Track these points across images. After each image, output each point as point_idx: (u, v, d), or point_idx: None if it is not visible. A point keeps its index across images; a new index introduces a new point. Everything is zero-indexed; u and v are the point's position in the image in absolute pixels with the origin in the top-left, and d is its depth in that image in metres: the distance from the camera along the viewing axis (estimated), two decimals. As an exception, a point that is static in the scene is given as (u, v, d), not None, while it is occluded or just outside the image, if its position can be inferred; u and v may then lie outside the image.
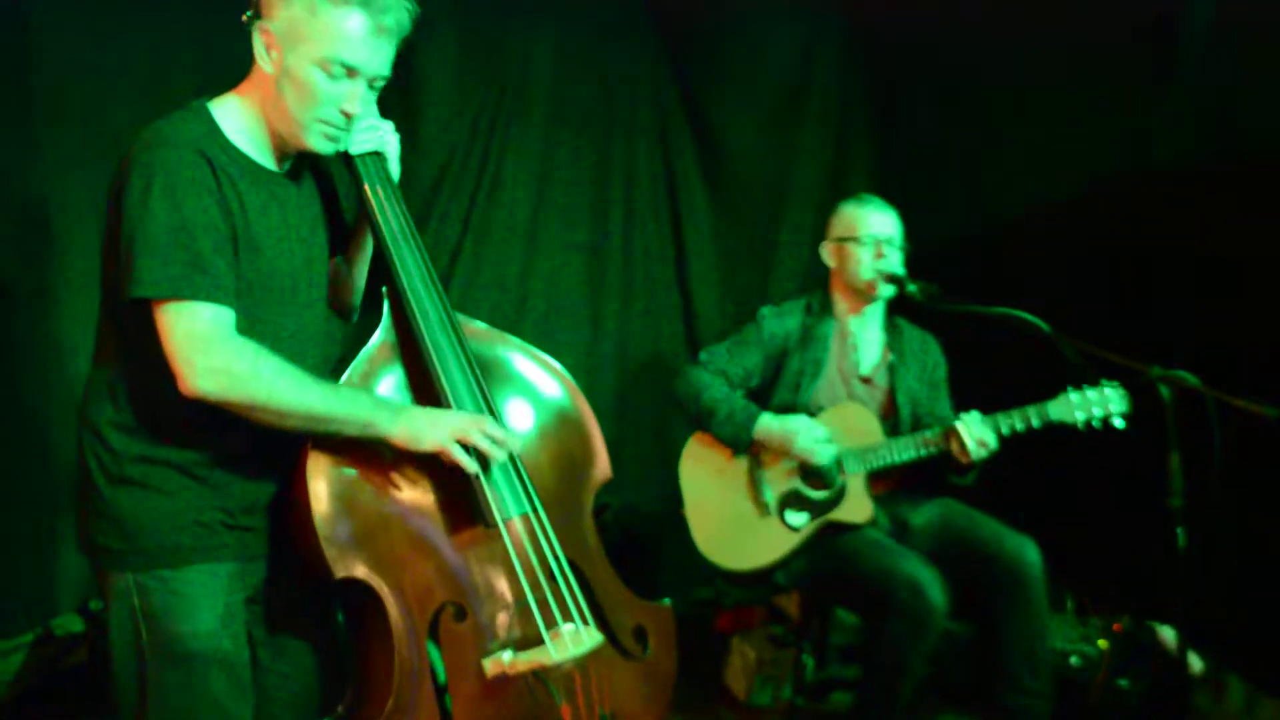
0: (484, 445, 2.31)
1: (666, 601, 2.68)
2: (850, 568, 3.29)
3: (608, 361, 4.59)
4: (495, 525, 2.36)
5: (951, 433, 3.29)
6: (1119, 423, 3.23)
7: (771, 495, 3.41)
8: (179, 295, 2.08)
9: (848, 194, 3.75)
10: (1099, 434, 3.27)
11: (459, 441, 2.30)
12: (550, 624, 2.38)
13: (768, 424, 3.39)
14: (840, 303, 3.62)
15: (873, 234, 3.51)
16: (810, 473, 3.41)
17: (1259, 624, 3.48)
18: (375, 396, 2.34)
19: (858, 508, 3.39)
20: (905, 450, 3.39)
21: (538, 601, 2.38)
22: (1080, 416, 3.26)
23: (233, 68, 2.30)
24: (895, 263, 3.51)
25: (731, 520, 3.41)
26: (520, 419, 2.56)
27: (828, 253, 3.63)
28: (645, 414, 4.55)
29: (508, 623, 2.40)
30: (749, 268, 4.86)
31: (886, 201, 3.60)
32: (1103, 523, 3.92)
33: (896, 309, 3.65)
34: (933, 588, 3.11)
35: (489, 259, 4.34)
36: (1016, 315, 3.11)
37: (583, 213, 4.57)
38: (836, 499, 3.39)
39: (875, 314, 3.63)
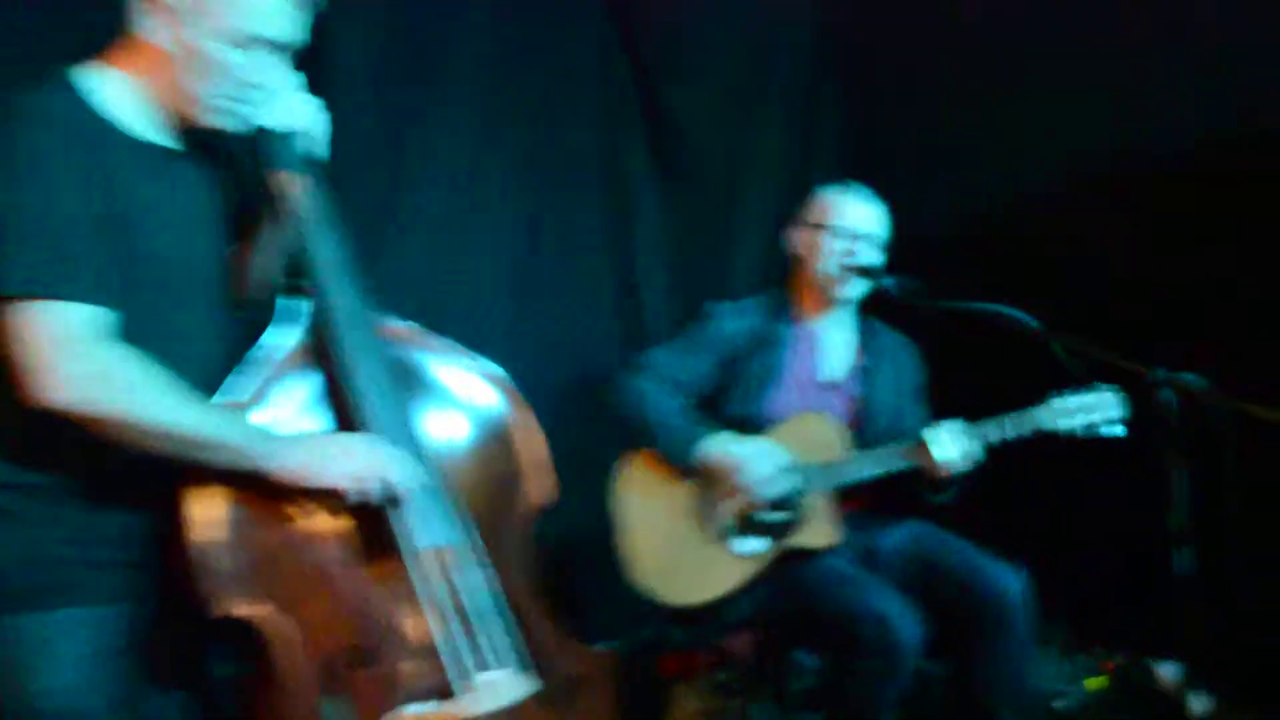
0: (382, 492, 2.28)
1: (610, 646, 2.67)
2: (810, 601, 3.28)
3: (539, 370, 4.44)
4: (409, 557, 2.31)
5: (924, 445, 3.31)
6: (1115, 430, 3.27)
7: (722, 519, 3.39)
8: (43, 293, 2.03)
9: (813, 182, 3.77)
10: (1092, 445, 3.32)
11: (357, 485, 2.26)
12: (471, 672, 2.34)
13: (713, 448, 3.37)
14: (804, 301, 3.63)
15: (847, 225, 3.53)
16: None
17: (1272, 659, 3.54)
18: (256, 425, 2.28)
19: (820, 531, 3.38)
20: (874, 465, 3.39)
21: (457, 646, 2.33)
22: (1071, 424, 3.28)
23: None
24: (864, 263, 3.51)
25: (676, 549, 3.39)
26: (447, 432, 2.54)
27: (795, 238, 3.64)
28: (580, 429, 4.38)
29: (422, 670, 2.34)
30: (703, 261, 4.86)
31: (874, 195, 3.61)
32: (1095, 547, 3.98)
33: (873, 310, 3.67)
34: (904, 622, 3.11)
35: (411, 254, 4.28)
36: (1005, 313, 3.15)
37: (517, 200, 4.53)
38: (796, 522, 3.38)
39: (845, 315, 3.65)
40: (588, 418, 4.41)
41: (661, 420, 3.40)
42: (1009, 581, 3.28)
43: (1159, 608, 2.85)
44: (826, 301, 3.58)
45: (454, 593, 2.36)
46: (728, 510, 3.39)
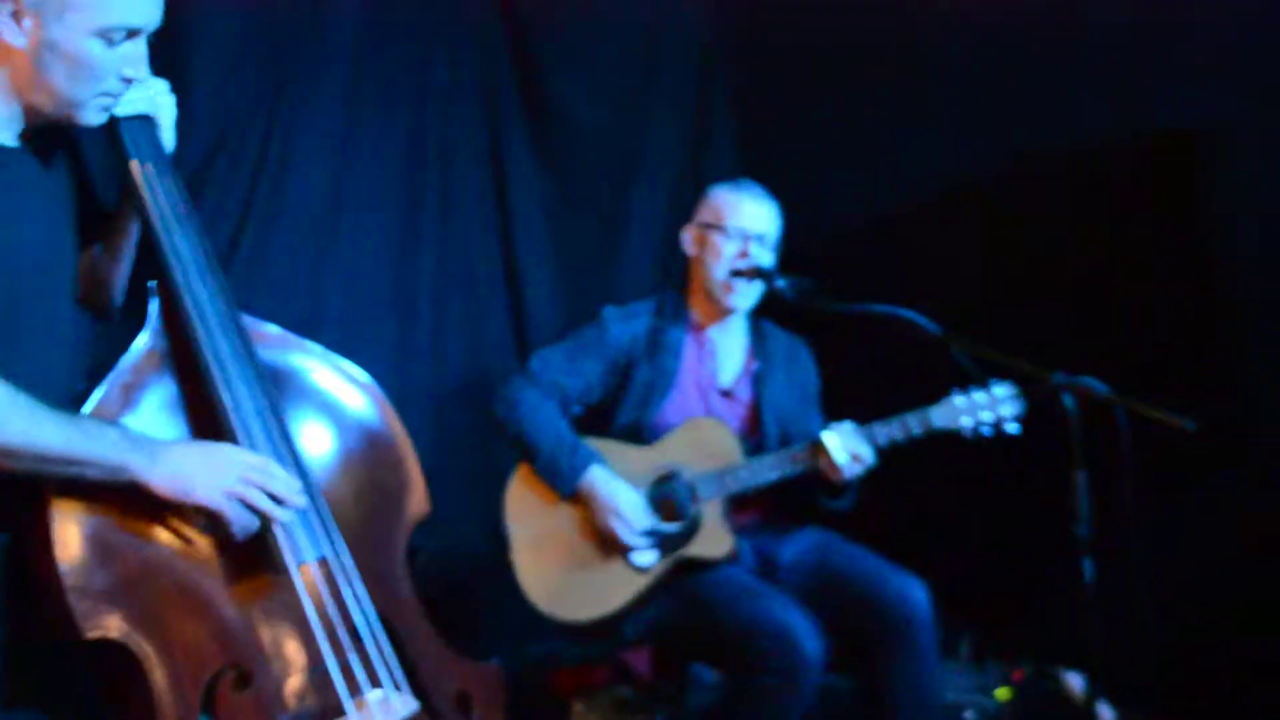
0: (265, 507, 2.29)
1: (495, 661, 2.70)
2: (709, 615, 3.32)
3: (420, 374, 4.54)
4: (287, 572, 2.33)
5: (819, 447, 3.38)
6: (1012, 428, 3.38)
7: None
8: None
9: (709, 176, 3.82)
10: (992, 451, 3.40)
11: (238, 499, 2.27)
12: (355, 691, 2.34)
13: (595, 479, 3.41)
14: (698, 305, 3.69)
15: (741, 226, 3.58)
16: (660, 502, 3.47)
17: (1178, 668, 3.64)
18: (129, 433, 2.26)
19: (715, 541, 3.43)
20: (769, 470, 3.45)
21: (339, 664, 2.34)
22: (968, 422, 3.37)
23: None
24: (757, 267, 3.56)
25: (568, 564, 3.43)
26: (320, 442, 2.55)
27: (689, 238, 3.70)
28: (466, 436, 4.49)
29: (302, 690, 2.35)
30: (591, 260, 4.88)
31: (767, 193, 3.66)
32: (999, 555, 4.05)
33: (764, 311, 3.72)
34: (806, 635, 3.16)
35: (275, 251, 4.24)
36: (903, 316, 3.24)
37: (390, 195, 4.51)
38: (690, 532, 3.43)
39: (738, 319, 3.71)
40: (474, 424, 4.43)
41: (545, 443, 3.43)
42: (913, 591, 3.34)
43: (1064, 615, 2.94)
44: (720, 305, 3.63)
45: (340, 607, 2.38)
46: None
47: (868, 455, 3.37)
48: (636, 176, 4.96)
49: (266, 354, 2.50)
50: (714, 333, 3.69)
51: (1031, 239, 4.22)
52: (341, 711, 2.33)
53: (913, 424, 3.40)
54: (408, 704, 2.40)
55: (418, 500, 2.68)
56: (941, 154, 4.40)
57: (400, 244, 4.55)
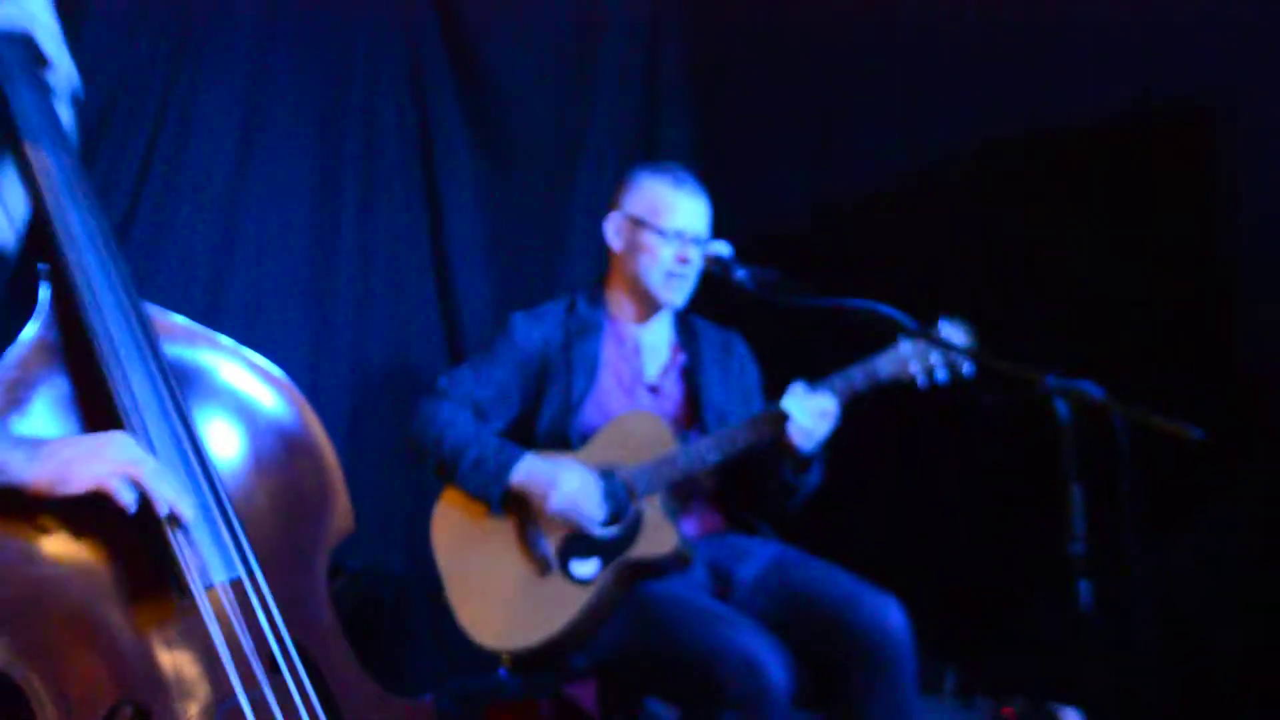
0: (164, 496, 2.22)
1: (426, 698, 2.66)
2: (662, 642, 3.29)
3: (337, 372, 4.53)
4: (193, 595, 2.25)
5: (778, 415, 3.37)
6: (966, 369, 3.37)
7: (549, 546, 3.43)
8: None
9: (660, 158, 3.80)
10: (979, 462, 3.42)
11: (130, 478, 2.20)
12: None
13: (530, 468, 3.42)
14: (619, 300, 3.71)
15: (679, 228, 3.56)
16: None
17: (1185, 702, 3.64)
18: (7, 432, 2.20)
19: (659, 538, 3.41)
20: (709, 452, 3.44)
21: (252, 700, 2.27)
22: (917, 369, 3.39)
23: None
24: (695, 269, 3.57)
25: (505, 590, 3.43)
26: (233, 449, 2.48)
27: (614, 229, 3.67)
28: (389, 446, 4.47)
29: None
30: (530, 250, 4.89)
31: (699, 182, 3.64)
32: (986, 577, 4.07)
33: (698, 307, 3.72)
34: (771, 663, 3.11)
35: (173, 232, 4.19)
36: (878, 311, 3.22)
37: (304, 174, 4.49)
38: (631, 533, 3.42)
39: (664, 317, 3.73)
40: (399, 428, 4.43)
41: (468, 449, 3.44)
42: (889, 613, 3.30)
43: (1059, 645, 2.94)
44: (652, 304, 3.66)
45: (254, 635, 2.32)
46: (555, 534, 3.44)
47: (832, 407, 3.38)
48: (581, 158, 4.98)
49: (172, 348, 2.44)
50: (634, 328, 3.71)
51: (1017, 227, 4.23)
52: (256, 754, 2.28)
53: (857, 375, 3.41)
54: (336, 744, 2.37)
55: (341, 514, 2.60)
56: (914, 133, 4.43)
57: (316, 227, 4.53)
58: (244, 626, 2.33)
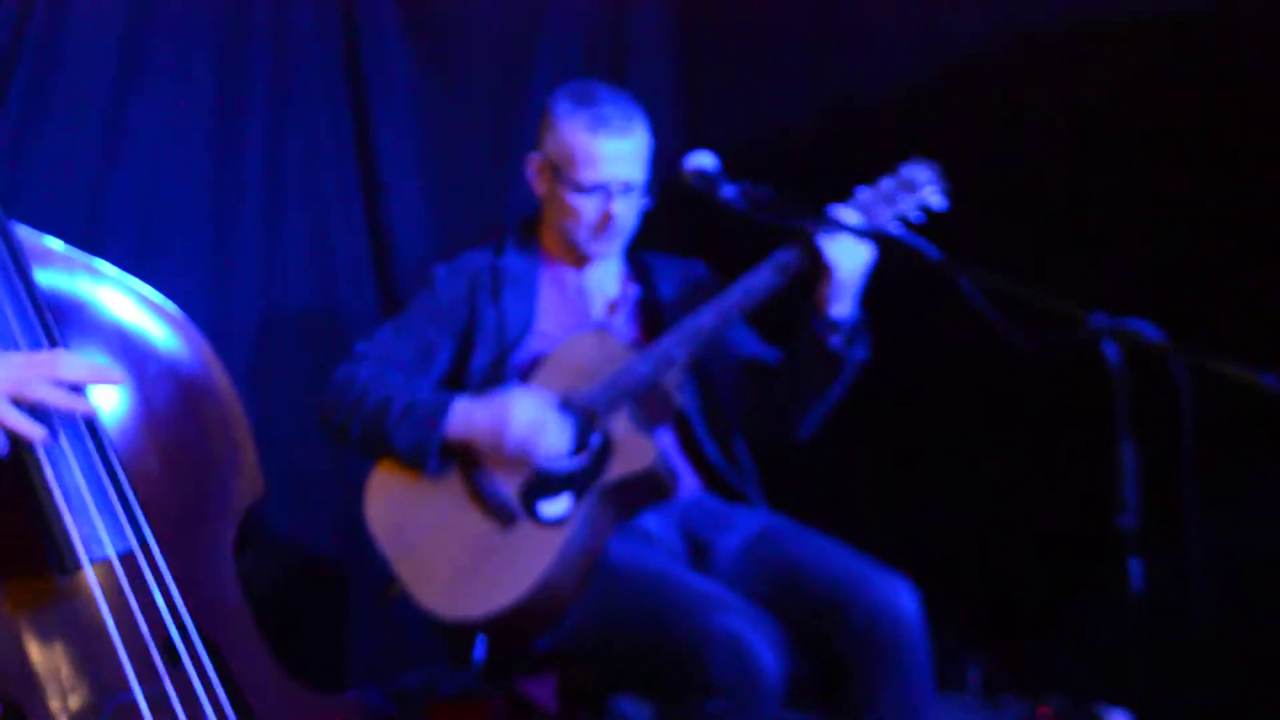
0: (55, 399, 2.26)
1: (350, 695, 2.66)
2: (638, 623, 3.29)
3: (245, 310, 4.52)
4: (76, 571, 2.28)
5: (807, 243, 3.42)
6: (936, 202, 3.46)
7: (509, 492, 3.43)
8: None
9: (630, 80, 3.74)
10: (1010, 419, 3.37)
11: (11, 399, 2.23)
12: None
13: (468, 409, 3.43)
14: (552, 244, 3.75)
15: (602, 180, 3.55)
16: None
17: (1250, 702, 3.67)
18: None
19: (635, 451, 3.45)
20: (677, 344, 3.48)
21: (148, 696, 2.29)
22: (887, 214, 3.46)
23: None
24: (629, 217, 3.61)
25: (466, 555, 3.41)
26: (119, 399, 2.48)
27: (533, 171, 3.69)
28: (307, 398, 4.25)
29: None
30: (476, 172, 4.89)
31: (630, 106, 3.63)
32: (1018, 555, 4.11)
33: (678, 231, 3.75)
34: (763, 646, 3.11)
35: (45, 149, 4.15)
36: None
37: (202, 86, 4.46)
38: (601, 458, 3.45)
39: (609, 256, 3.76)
40: (322, 379, 4.41)
41: (393, 403, 3.46)
42: (898, 598, 3.30)
43: (1105, 635, 2.95)
44: (583, 257, 3.70)
45: (150, 618, 2.34)
46: (513, 478, 3.44)
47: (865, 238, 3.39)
48: (536, 63, 4.97)
49: (47, 278, 2.45)
50: (574, 271, 3.75)
51: (1054, 137, 4.22)
52: (153, 755, 2.28)
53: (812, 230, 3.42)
54: (241, 747, 2.35)
55: (248, 475, 2.64)
56: (934, 26, 4.40)
57: (217, 138, 4.49)
58: (139, 606, 2.36)
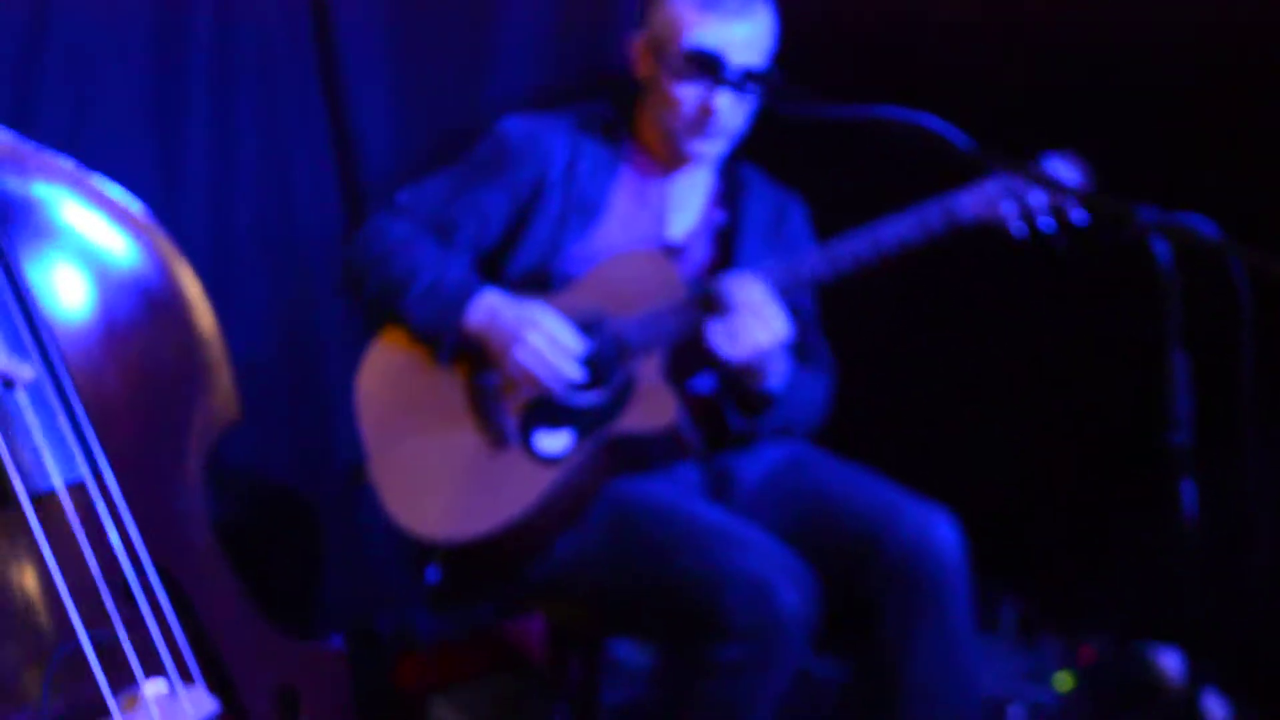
0: None
1: (334, 642, 2.68)
2: (647, 559, 3.32)
3: (193, 218, 4.46)
4: (18, 504, 2.28)
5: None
6: (1079, 217, 3.39)
7: (509, 412, 3.45)
8: None
9: None
10: (1043, 325, 3.36)
11: None
12: (123, 683, 2.32)
13: (495, 305, 3.42)
14: (645, 134, 3.70)
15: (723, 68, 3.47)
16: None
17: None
18: None
19: (654, 407, 3.46)
20: (776, 272, 3.45)
21: (98, 644, 2.30)
22: (1012, 209, 3.39)
23: None
24: (734, 115, 3.56)
25: (448, 465, 3.45)
26: (74, 308, 2.49)
27: (635, 51, 3.65)
28: (265, 323, 4.51)
29: (44, 680, 2.30)
30: (447, 63, 4.82)
31: None
32: (1057, 479, 4.13)
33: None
34: (786, 590, 3.14)
35: None
36: (928, 127, 3.19)
37: None
38: (617, 400, 3.46)
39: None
40: (284, 296, 4.43)
41: (421, 272, 3.45)
42: (935, 529, 3.34)
43: (1153, 568, 2.96)
44: (678, 157, 3.65)
45: (101, 557, 2.33)
46: (514, 399, 3.46)
47: (774, 312, 3.36)
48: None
49: (-3, 171, 2.41)
50: (661, 170, 3.70)
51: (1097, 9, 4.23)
52: (104, 712, 2.30)
53: (930, 217, 3.41)
54: (201, 704, 2.38)
55: (222, 397, 2.65)
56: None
57: (157, 22, 4.43)
58: (89, 545, 2.35)
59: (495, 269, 3.59)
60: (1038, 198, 3.37)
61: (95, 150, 4.22)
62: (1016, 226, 3.40)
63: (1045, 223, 3.39)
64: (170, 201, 4.41)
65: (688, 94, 3.51)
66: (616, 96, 3.75)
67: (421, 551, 3.44)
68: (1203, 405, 2.75)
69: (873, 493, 3.47)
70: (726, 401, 3.52)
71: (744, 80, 3.40)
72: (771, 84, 3.39)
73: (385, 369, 3.52)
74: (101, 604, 2.33)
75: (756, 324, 3.33)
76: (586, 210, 3.61)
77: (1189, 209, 2.79)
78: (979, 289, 4.14)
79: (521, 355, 3.37)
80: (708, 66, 3.43)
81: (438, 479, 3.44)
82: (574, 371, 3.40)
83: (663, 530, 3.34)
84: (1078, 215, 3.37)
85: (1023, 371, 3.95)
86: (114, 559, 2.36)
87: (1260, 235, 2.77)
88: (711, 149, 3.61)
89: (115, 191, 2.61)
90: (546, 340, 3.37)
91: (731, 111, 3.53)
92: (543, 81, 4.74)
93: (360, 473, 3.48)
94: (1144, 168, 3.27)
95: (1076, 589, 4.08)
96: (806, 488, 3.54)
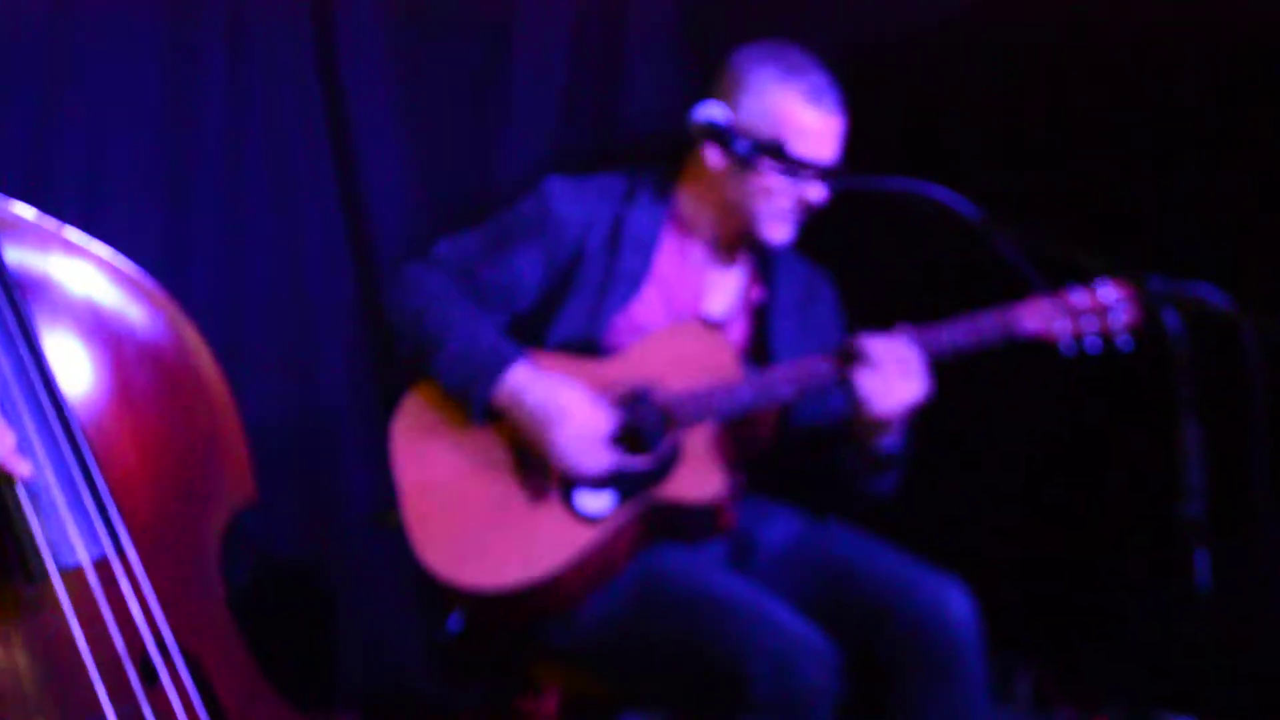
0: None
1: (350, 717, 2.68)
2: (671, 629, 3.35)
3: (203, 307, 4.16)
4: (45, 580, 2.30)
5: (852, 352, 3.40)
6: (1124, 341, 3.42)
7: (551, 466, 3.44)
8: None
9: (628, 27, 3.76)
10: (1059, 399, 3.38)
11: None
12: None
13: (525, 382, 3.42)
14: (697, 212, 3.71)
15: (819, 157, 3.53)
16: (621, 430, 3.47)
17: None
18: None
19: (699, 478, 3.46)
20: (782, 384, 3.48)
21: (123, 716, 2.32)
22: (1064, 329, 3.43)
23: None
24: (820, 203, 3.59)
25: (482, 509, 3.47)
26: (91, 384, 2.50)
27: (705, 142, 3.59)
28: (274, 393, 4.46)
29: None
30: (459, 130, 4.82)
31: (835, 81, 3.61)
32: (1073, 550, 4.14)
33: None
34: (812, 666, 3.17)
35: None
36: (927, 194, 3.19)
37: (154, 37, 4.42)
38: (663, 467, 3.46)
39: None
40: (299, 365, 4.43)
41: (455, 336, 3.46)
42: (950, 600, 3.37)
43: (1167, 637, 2.97)
44: (741, 241, 3.69)
45: (125, 632, 2.34)
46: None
47: (920, 371, 3.40)
48: (518, 26, 4.88)
49: (16, 252, 2.47)
50: (706, 249, 3.73)
51: (1112, 81, 4.24)
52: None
53: (986, 328, 3.45)
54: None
55: (238, 476, 2.66)
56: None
57: (170, 86, 4.48)
58: (113, 621, 2.36)
59: (536, 330, 3.61)
60: (1090, 322, 3.42)
61: (108, 220, 4.25)
62: (1067, 345, 3.44)
63: (1092, 344, 3.43)
64: (182, 268, 4.42)
65: (782, 183, 3.54)
66: (669, 163, 3.76)
67: (446, 599, 3.45)
68: (1215, 475, 2.73)
69: (888, 563, 3.49)
70: (851, 462, 3.53)
71: (838, 174, 3.51)
72: (856, 177, 3.43)
73: (422, 413, 3.53)
74: (127, 681, 2.35)
75: (905, 380, 3.38)
76: (631, 280, 3.63)
77: (1199, 278, 2.82)
78: (992, 359, 4.15)
79: (548, 445, 3.39)
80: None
81: (473, 525, 3.45)
82: (601, 465, 3.41)
83: (689, 600, 3.35)
84: (1124, 342, 3.41)
85: (1038, 443, 3.95)
86: (137, 633, 2.36)
87: (1269, 303, 2.79)
88: (785, 236, 3.65)
89: (128, 265, 2.60)
90: (574, 435, 3.40)
91: (820, 200, 3.58)
92: (552, 141, 4.74)
93: (388, 517, 3.48)
94: (1154, 236, 3.27)
95: (1091, 659, 4.07)
96: (826, 557, 3.56)
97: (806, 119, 3.54)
